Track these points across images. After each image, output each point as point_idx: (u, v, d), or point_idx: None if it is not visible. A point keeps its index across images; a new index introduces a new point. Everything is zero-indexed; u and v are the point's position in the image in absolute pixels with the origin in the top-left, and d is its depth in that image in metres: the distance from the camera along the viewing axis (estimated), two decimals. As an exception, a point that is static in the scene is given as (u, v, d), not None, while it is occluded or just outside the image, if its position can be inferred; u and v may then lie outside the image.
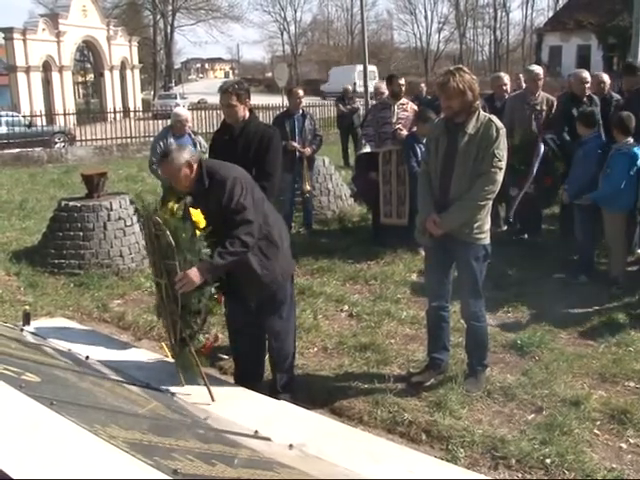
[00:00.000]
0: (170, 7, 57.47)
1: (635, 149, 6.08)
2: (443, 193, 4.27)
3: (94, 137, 21.76)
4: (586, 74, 7.49)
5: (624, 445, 3.85)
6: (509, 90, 8.49)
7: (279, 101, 21.67)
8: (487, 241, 4.31)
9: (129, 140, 21.57)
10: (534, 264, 7.02)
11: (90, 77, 42.11)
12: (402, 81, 8.04)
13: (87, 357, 3.97)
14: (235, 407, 3.41)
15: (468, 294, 4.40)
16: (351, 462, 2.75)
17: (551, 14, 51.61)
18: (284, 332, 4.15)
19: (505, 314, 5.90)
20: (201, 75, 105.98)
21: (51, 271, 7.36)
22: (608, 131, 6.60)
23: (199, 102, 33.71)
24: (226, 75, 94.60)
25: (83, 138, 21.87)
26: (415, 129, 7.54)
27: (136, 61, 42.35)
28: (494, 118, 4.25)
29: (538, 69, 7.94)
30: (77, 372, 3.24)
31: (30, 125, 22.35)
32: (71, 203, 7.70)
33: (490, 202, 4.25)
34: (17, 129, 21.52)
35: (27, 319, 4.62)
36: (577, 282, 6.44)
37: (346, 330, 5.64)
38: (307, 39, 75.31)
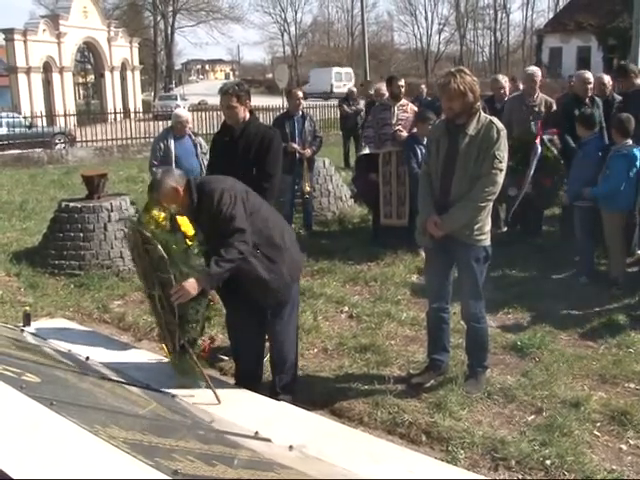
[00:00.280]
0: (171, 8, 57.55)
1: (634, 150, 6.09)
2: (444, 194, 4.28)
3: (94, 138, 21.78)
4: (589, 75, 7.50)
5: (624, 446, 3.85)
6: (507, 92, 8.50)
7: (279, 102, 21.67)
8: (487, 242, 4.31)
9: (129, 141, 21.59)
10: (534, 265, 7.03)
11: (90, 78, 42.17)
12: (402, 82, 8.05)
13: (87, 358, 3.98)
14: (235, 408, 3.41)
15: (468, 295, 4.40)
16: (351, 463, 2.75)
17: (551, 15, 51.73)
18: (284, 333, 4.13)
19: (505, 315, 5.90)
20: (201, 76, 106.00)
21: (51, 272, 7.36)
22: (611, 133, 6.61)
23: (199, 103, 33.68)
24: (226, 76, 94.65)
25: (83, 139, 21.88)
26: (415, 130, 7.55)
27: (137, 62, 42.36)
28: (495, 120, 4.25)
29: (535, 70, 7.95)
30: (77, 373, 3.24)
31: (30, 126, 22.37)
32: (71, 204, 7.71)
33: (491, 203, 4.25)
34: (17, 130, 21.54)
35: (27, 320, 4.63)
36: (577, 283, 6.44)
37: (346, 331, 5.64)
38: (307, 40, 75.43)
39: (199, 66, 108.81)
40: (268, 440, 2.91)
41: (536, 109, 7.53)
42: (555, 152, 7.18)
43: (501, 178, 4.18)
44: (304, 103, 8.70)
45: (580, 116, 6.69)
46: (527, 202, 7.36)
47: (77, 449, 1.79)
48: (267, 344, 4.33)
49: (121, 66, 40.03)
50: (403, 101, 8.00)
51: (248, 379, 4.10)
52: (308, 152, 8.46)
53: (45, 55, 33.92)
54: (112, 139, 21.45)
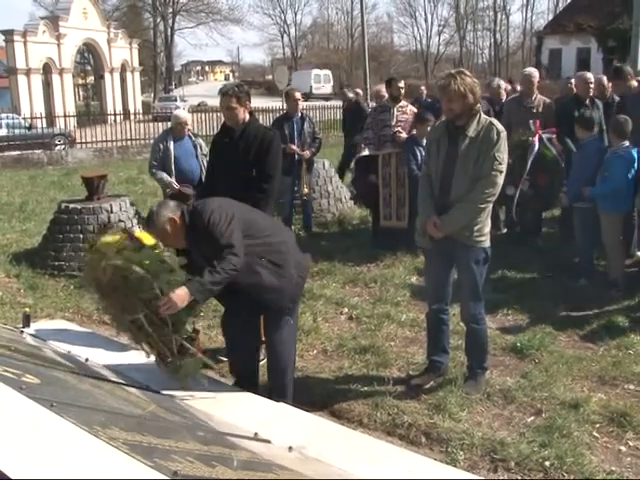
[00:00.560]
0: (170, 9, 57.60)
1: (632, 152, 6.10)
2: (443, 195, 4.28)
3: (94, 139, 21.81)
4: (589, 75, 7.52)
5: (623, 448, 3.85)
6: (503, 94, 8.54)
7: (279, 104, 21.69)
8: (487, 244, 4.31)
9: (129, 142, 21.63)
10: (534, 267, 7.03)
11: (90, 79, 42.11)
12: (402, 84, 8.05)
13: (87, 359, 3.97)
14: (235, 409, 3.41)
15: (468, 297, 4.40)
16: (351, 464, 2.75)
17: (551, 17, 51.75)
18: (282, 343, 4.02)
19: (505, 317, 5.91)
20: (201, 78, 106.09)
21: (51, 273, 7.37)
22: (610, 135, 6.63)
23: (199, 105, 33.70)
24: (226, 78, 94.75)
25: (83, 140, 21.91)
26: (415, 131, 7.55)
27: (136, 63, 42.38)
28: (495, 121, 4.26)
29: (532, 71, 7.96)
30: (77, 374, 3.24)
31: (30, 127, 22.38)
32: (71, 205, 7.71)
33: (490, 205, 4.25)
34: (17, 131, 21.56)
35: (27, 321, 4.62)
36: (577, 285, 6.45)
37: (346, 333, 5.64)
38: (307, 42, 75.48)
39: (199, 67, 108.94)
40: (267, 441, 2.91)
41: (534, 110, 7.54)
42: (554, 151, 7.18)
43: (501, 180, 4.19)
44: (302, 104, 8.68)
45: (579, 117, 6.70)
46: (525, 202, 7.37)
47: (77, 450, 1.79)
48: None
49: (121, 67, 40.04)
50: (402, 102, 8.01)
51: (243, 385, 4.06)
52: (307, 153, 8.46)
53: (45, 56, 33.91)
54: (112, 140, 21.47)
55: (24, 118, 23.66)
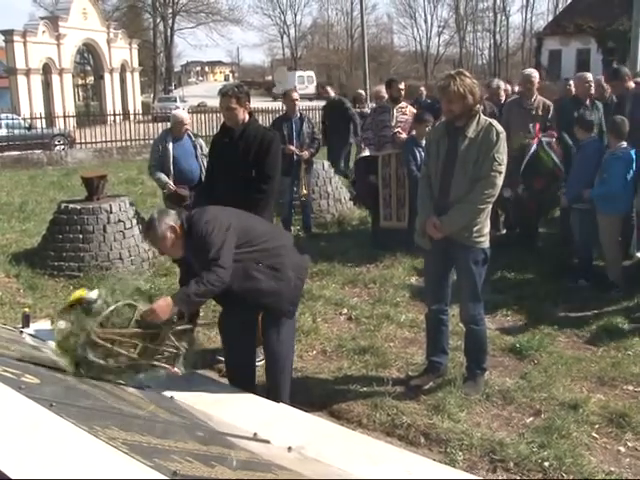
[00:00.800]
0: (170, 10, 57.59)
1: (631, 153, 6.11)
2: (443, 196, 4.29)
3: (94, 140, 21.81)
4: (589, 75, 7.54)
5: (622, 448, 3.85)
6: (503, 95, 8.55)
7: (279, 104, 21.69)
8: (486, 244, 4.32)
9: (129, 143, 21.61)
10: (533, 267, 7.04)
11: (90, 80, 42.09)
12: (402, 86, 8.04)
13: (86, 359, 3.97)
14: (234, 409, 3.41)
15: (467, 297, 4.41)
16: (350, 464, 2.75)
17: (551, 18, 51.75)
18: (280, 349, 4.00)
19: (504, 317, 5.91)
20: (201, 78, 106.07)
21: (51, 273, 7.36)
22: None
23: (199, 105, 33.70)
24: (226, 78, 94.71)
25: (83, 141, 21.91)
26: (414, 132, 7.56)
27: (136, 64, 42.39)
28: (494, 122, 4.27)
29: (532, 71, 7.96)
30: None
31: (30, 127, 22.37)
32: (71, 205, 7.71)
33: (490, 206, 4.26)
34: (17, 131, 21.55)
35: (26, 321, 4.61)
36: (576, 286, 6.45)
37: (345, 333, 5.64)
38: (307, 42, 75.42)
39: (198, 68, 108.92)
40: (267, 441, 2.91)
41: (533, 112, 7.53)
42: (553, 156, 7.16)
43: (500, 180, 4.19)
44: (300, 104, 8.70)
45: (578, 118, 6.71)
46: (521, 206, 7.37)
47: (76, 450, 1.79)
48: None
49: (120, 68, 40.05)
50: (402, 103, 8.01)
51: (242, 380, 4.05)
52: (305, 154, 8.46)
53: (44, 56, 33.91)
54: (111, 141, 21.47)
55: (24, 118, 23.65)
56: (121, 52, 40.24)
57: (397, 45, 74.63)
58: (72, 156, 19.66)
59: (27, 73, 33.06)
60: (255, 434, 2.95)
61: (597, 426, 4.05)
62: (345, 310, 6.18)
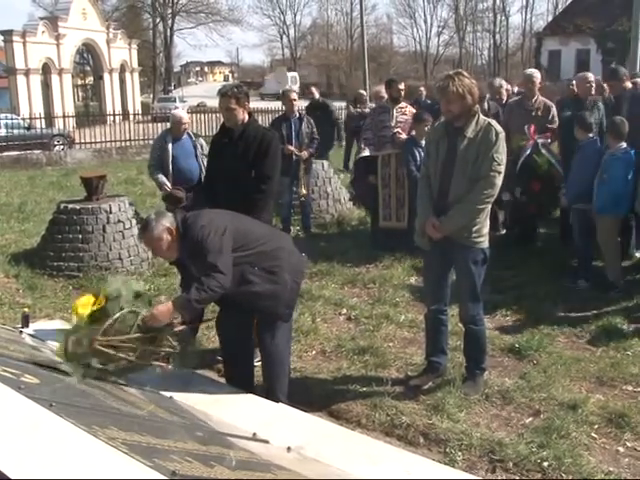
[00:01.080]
0: (170, 10, 57.57)
1: (631, 153, 6.11)
2: (442, 196, 4.29)
3: (93, 140, 21.81)
4: (590, 75, 7.54)
5: (621, 449, 3.86)
6: (504, 95, 8.54)
7: (278, 105, 21.70)
8: (486, 245, 4.32)
9: (128, 143, 21.62)
10: (533, 268, 7.03)
11: (89, 80, 42.05)
12: (402, 86, 8.03)
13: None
14: (234, 409, 3.41)
15: (467, 297, 4.41)
16: (349, 464, 2.75)
17: (550, 18, 51.81)
18: (276, 351, 3.99)
19: (503, 318, 5.91)
20: (200, 78, 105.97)
21: (50, 273, 7.36)
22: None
23: (198, 105, 33.68)
24: (225, 78, 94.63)
25: (82, 141, 21.92)
26: (414, 132, 7.56)
27: (135, 64, 42.38)
28: (493, 122, 4.27)
29: (534, 71, 7.96)
30: (76, 374, 3.24)
31: (29, 128, 22.37)
32: (70, 206, 7.71)
33: (489, 206, 4.26)
34: (16, 132, 21.56)
35: (26, 321, 4.61)
36: (576, 286, 6.45)
37: (344, 333, 5.64)
38: (307, 43, 75.44)
39: (198, 68, 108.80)
40: (266, 441, 2.91)
41: (533, 113, 7.52)
42: (549, 157, 7.14)
43: (499, 180, 4.19)
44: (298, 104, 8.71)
45: (578, 119, 6.70)
46: (519, 208, 7.36)
47: (76, 450, 1.79)
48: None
49: (120, 68, 40.04)
50: (402, 103, 8.01)
51: (240, 380, 4.05)
52: (304, 154, 8.46)
53: (44, 57, 33.90)
54: (111, 141, 21.48)
55: (23, 118, 23.66)
56: (120, 52, 40.23)
57: (397, 45, 74.70)
58: (71, 156, 19.66)
59: (26, 73, 33.05)
60: (254, 434, 2.95)
61: (596, 426, 4.06)
62: (344, 310, 6.18)
